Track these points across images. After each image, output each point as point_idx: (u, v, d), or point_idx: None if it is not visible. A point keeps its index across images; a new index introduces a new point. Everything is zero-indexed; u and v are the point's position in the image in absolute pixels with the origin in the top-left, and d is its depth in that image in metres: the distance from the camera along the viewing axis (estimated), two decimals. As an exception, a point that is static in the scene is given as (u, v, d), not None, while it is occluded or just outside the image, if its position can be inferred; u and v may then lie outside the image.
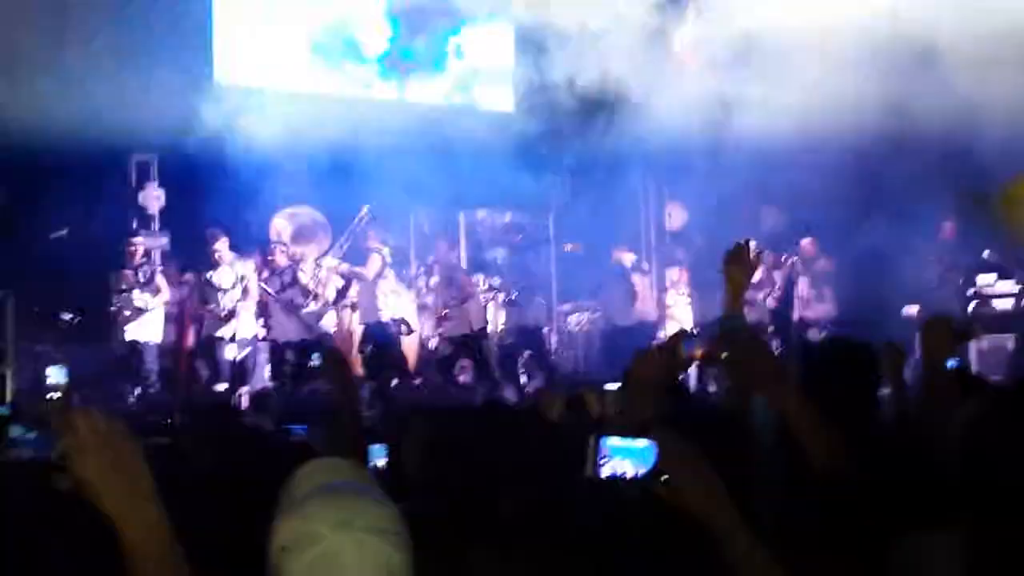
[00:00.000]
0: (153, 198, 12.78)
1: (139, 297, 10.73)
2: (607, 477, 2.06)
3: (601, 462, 2.05)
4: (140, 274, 10.84)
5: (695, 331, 2.83)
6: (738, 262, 3.29)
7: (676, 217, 14.50)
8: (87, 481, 1.62)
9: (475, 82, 14.80)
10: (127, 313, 10.69)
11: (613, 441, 2.06)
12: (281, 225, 11.95)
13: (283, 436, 5.15)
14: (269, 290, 11.09)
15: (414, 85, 14.06)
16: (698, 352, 2.76)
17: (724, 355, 2.68)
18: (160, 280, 10.97)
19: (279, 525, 1.78)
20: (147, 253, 11.87)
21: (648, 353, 2.87)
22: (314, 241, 11.92)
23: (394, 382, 11.14)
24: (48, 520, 2.60)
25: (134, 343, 10.74)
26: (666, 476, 1.93)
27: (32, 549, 2.71)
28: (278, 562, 1.74)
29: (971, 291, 11.76)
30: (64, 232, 10.78)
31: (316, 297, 11.53)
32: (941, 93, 10.25)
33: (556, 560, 2.22)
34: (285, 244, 11.70)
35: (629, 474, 2.04)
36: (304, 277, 11.48)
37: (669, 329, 11.32)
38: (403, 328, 11.28)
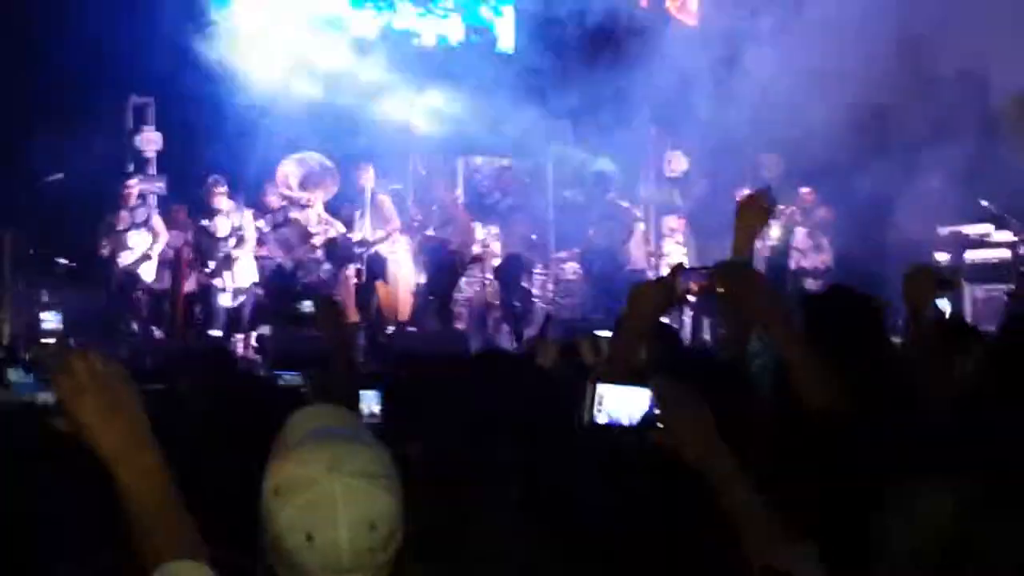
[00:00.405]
0: (150, 141, 12.73)
1: (134, 238, 10.69)
2: (603, 424, 2.05)
3: (598, 409, 2.05)
4: (135, 215, 10.78)
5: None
6: (753, 207, 3.23)
7: (676, 164, 14.42)
8: (84, 424, 1.62)
9: (476, 20, 14.70)
10: (122, 255, 10.65)
11: (609, 388, 2.05)
12: (289, 170, 11.87)
13: (277, 382, 5.16)
14: (265, 229, 11.08)
15: (408, 21, 13.95)
16: (695, 285, 2.72)
17: (720, 287, 2.65)
18: (157, 222, 10.93)
19: (271, 469, 1.78)
20: (142, 196, 11.84)
21: (646, 284, 2.85)
22: (321, 187, 11.86)
23: (390, 329, 11.16)
24: (46, 463, 2.61)
25: (129, 284, 10.73)
26: (661, 422, 1.94)
27: (30, 492, 2.73)
28: (269, 505, 1.74)
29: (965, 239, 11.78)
30: (60, 176, 10.71)
31: (315, 242, 11.53)
32: (954, 38, 10.17)
33: (551, 508, 2.23)
34: (291, 188, 11.66)
35: (625, 421, 2.04)
36: (310, 221, 11.46)
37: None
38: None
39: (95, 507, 2.32)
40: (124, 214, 10.81)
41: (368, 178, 11.57)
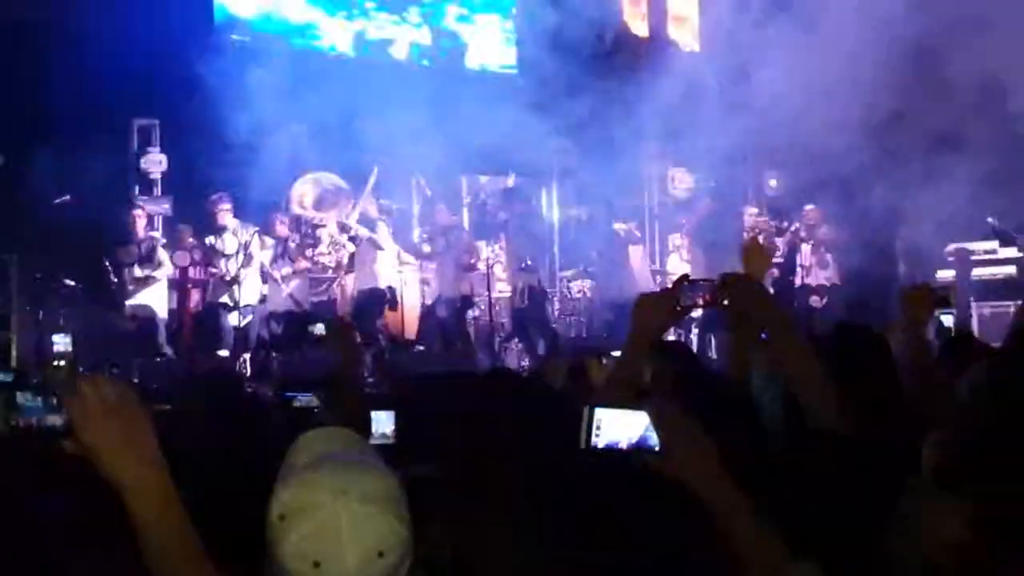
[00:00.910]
0: (155, 162, 12.77)
1: (140, 270, 10.72)
2: (601, 448, 2.02)
3: (596, 433, 2.02)
4: (142, 248, 10.79)
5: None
6: (757, 250, 3.24)
7: (679, 182, 14.45)
8: (93, 448, 1.62)
9: (477, 41, 14.77)
10: (130, 286, 10.69)
11: (607, 411, 2.01)
12: (304, 190, 11.91)
13: (285, 404, 5.16)
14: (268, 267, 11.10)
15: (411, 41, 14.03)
16: (700, 298, 2.69)
17: (725, 301, 2.63)
18: (161, 254, 10.93)
19: (277, 494, 1.76)
20: (150, 221, 11.89)
21: (650, 297, 2.82)
22: (336, 207, 11.89)
23: (398, 350, 11.17)
24: (55, 487, 2.61)
25: (137, 312, 10.75)
26: (657, 446, 1.92)
27: (38, 516, 2.72)
28: (275, 531, 1.72)
29: (972, 257, 11.77)
30: (67, 198, 10.75)
31: (326, 264, 11.56)
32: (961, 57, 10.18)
33: (552, 530, 2.22)
34: (305, 208, 11.70)
35: (624, 445, 2.01)
36: (322, 243, 11.50)
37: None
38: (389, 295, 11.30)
39: (105, 533, 2.33)
40: (132, 248, 10.79)
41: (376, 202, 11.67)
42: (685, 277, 2.76)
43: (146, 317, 10.92)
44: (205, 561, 1.67)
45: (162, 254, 10.97)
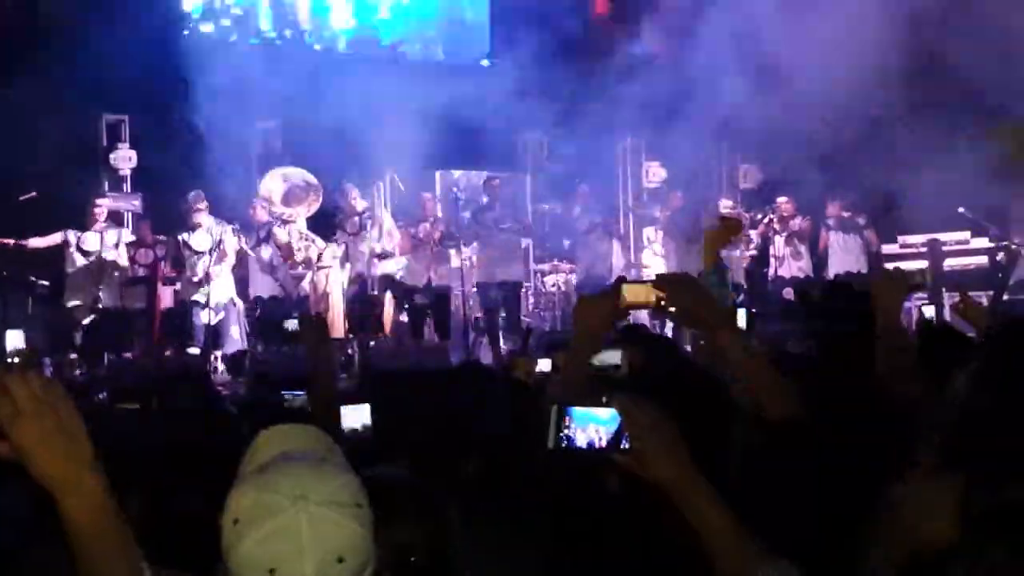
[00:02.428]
0: (124, 159, 12.65)
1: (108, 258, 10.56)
2: (570, 447, 1.96)
3: (564, 431, 1.96)
4: (105, 237, 10.65)
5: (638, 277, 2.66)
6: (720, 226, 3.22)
7: (654, 175, 14.45)
8: (23, 448, 1.56)
9: (450, 35, 14.74)
10: (90, 276, 10.53)
11: (574, 409, 1.95)
12: (273, 185, 11.77)
13: (258, 401, 5.10)
14: (248, 250, 10.98)
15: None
16: (635, 298, 2.65)
17: (658, 298, 2.59)
18: (121, 245, 10.79)
19: (232, 496, 1.69)
20: (116, 215, 11.78)
21: (590, 298, 2.79)
22: (305, 203, 11.76)
23: (371, 344, 11.10)
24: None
25: (102, 307, 10.64)
26: (625, 444, 1.87)
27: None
28: (229, 536, 1.65)
29: (944, 248, 11.82)
30: (34, 194, 10.62)
31: (296, 259, 11.48)
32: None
33: (518, 530, 2.18)
34: (273, 204, 11.56)
35: (589, 442, 1.94)
36: (291, 238, 11.41)
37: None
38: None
39: (37, 536, 2.27)
40: (91, 236, 10.63)
41: (355, 195, 11.50)
42: (623, 279, 2.74)
43: (115, 314, 10.82)
44: (143, 569, 1.59)
45: (121, 244, 10.81)
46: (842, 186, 12.03)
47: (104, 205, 10.77)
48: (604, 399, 1.93)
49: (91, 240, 10.50)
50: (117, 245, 10.68)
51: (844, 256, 12.02)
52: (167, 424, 3.53)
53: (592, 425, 1.94)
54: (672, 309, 2.59)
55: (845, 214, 12.11)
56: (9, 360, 8.39)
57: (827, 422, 2.60)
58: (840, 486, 2.31)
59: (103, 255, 10.46)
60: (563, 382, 2.68)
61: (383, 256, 11.53)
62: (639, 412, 1.89)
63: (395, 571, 1.94)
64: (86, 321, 10.27)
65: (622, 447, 1.88)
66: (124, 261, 10.77)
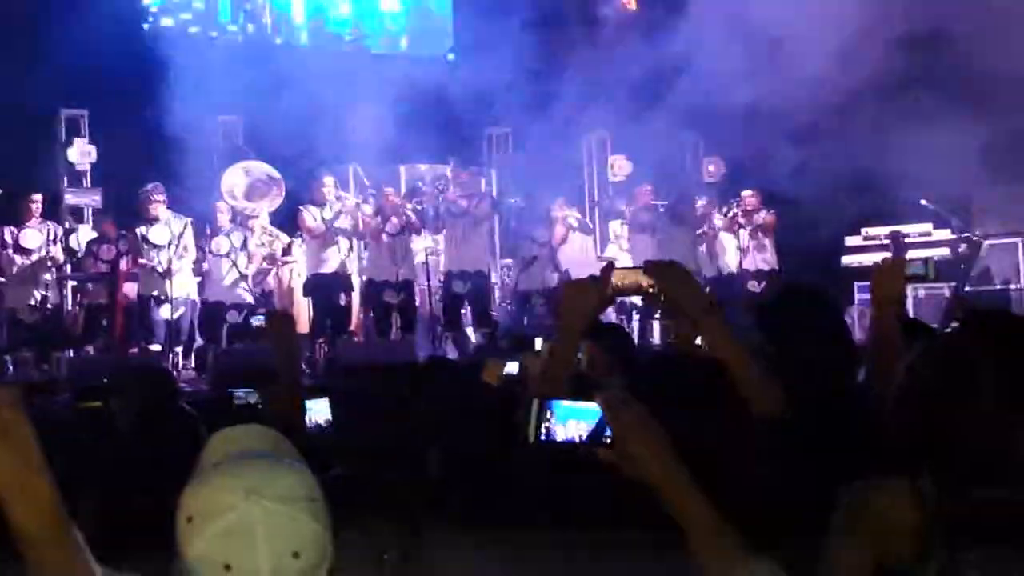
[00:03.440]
0: (84, 153, 12.51)
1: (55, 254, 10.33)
2: (551, 441, 1.93)
3: (543, 426, 1.94)
4: (50, 232, 10.41)
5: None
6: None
7: (619, 169, 14.45)
8: None
9: (414, 28, 14.67)
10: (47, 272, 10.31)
11: (554, 403, 1.93)
12: (235, 179, 11.62)
13: (219, 399, 5.04)
14: (211, 248, 10.83)
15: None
16: (626, 283, 2.61)
17: (648, 284, 2.56)
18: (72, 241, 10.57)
19: (185, 495, 1.67)
20: (76, 210, 11.63)
21: (578, 283, 2.73)
22: (267, 197, 11.63)
23: (337, 340, 11.02)
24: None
25: (59, 302, 10.47)
26: (608, 438, 1.83)
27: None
28: (183, 534, 1.64)
29: (906, 239, 11.91)
30: (-2, 189, 10.46)
31: (260, 255, 11.37)
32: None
33: (493, 526, 2.15)
34: (236, 198, 11.42)
35: (571, 437, 1.92)
36: (255, 234, 11.30)
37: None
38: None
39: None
40: (31, 233, 10.36)
41: (330, 188, 11.32)
42: (611, 265, 2.69)
43: (74, 311, 10.69)
44: (95, 572, 1.55)
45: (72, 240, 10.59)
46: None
47: (39, 200, 10.42)
48: (586, 394, 1.89)
49: (29, 237, 10.22)
50: (56, 240, 10.41)
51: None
52: (127, 423, 3.47)
53: (572, 420, 1.91)
54: (660, 296, 2.56)
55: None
56: None
57: (808, 420, 2.58)
58: (818, 484, 2.29)
59: (41, 251, 10.20)
60: (550, 376, 2.62)
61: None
62: (624, 409, 1.84)
63: (368, 569, 1.92)
64: (30, 320, 10.06)
65: (605, 442, 1.84)
66: (62, 256, 10.51)
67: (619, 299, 2.71)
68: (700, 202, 12.57)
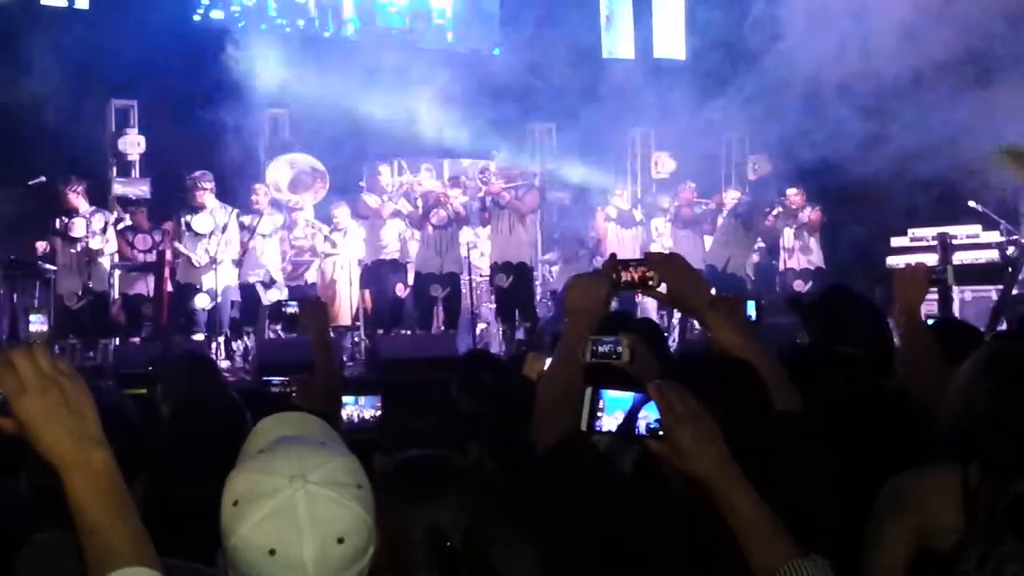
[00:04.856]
0: (133, 144, 12.64)
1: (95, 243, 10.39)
2: (603, 430, 1.92)
3: (598, 415, 1.92)
4: (92, 222, 10.46)
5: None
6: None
7: (663, 166, 14.38)
8: (28, 424, 1.52)
9: (462, 22, 14.69)
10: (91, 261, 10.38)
11: (609, 392, 1.91)
12: (279, 172, 11.71)
13: (260, 388, 5.09)
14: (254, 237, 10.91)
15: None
16: (630, 276, 2.59)
17: (650, 277, 2.53)
18: (111, 233, 10.60)
19: (231, 479, 1.68)
20: (124, 200, 11.75)
21: (583, 277, 2.71)
22: (311, 189, 11.71)
23: (379, 332, 11.08)
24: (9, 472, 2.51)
25: (107, 291, 10.59)
26: (660, 431, 1.81)
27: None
28: (228, 518, 1.64)
29: (954, 241, 11.75)
30: (43, 179, 10.58)
31: (302, 247, 11.46)
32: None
33: (536, 517, 2.15)
34: (280, 191, 11.51)
35: (626, 427, 1.90)
36: (298, 227, 11.39)
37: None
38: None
39: (43, 513, 2.25)
40: (80, 222, 10.38)
41: (387, 177, 11.47)
42: (614, 256, 2.68)
43: (120, 299, 10.81)
44: (150, 548, 1.54)
45: (111, 233, 10.65)
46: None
47: (80, 190, 10.47)
48: (639, 384, 1.88)
49: (78, 225, 10.29)
50: (104, 230, 10.46)
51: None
52: (171, 410, 3.52)
53: (619, 411, 1.90)
54: (663, 290, 2.55)
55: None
56: (31, 343, 8.34)
57: (829, 416, 2.57)
58: (834, 483, 2.27)
59: (89, 241, 10.28)
60: (556, 362, 2.61)
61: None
62: (678, 401, 1.82)
63: (430, 556, 1.92)
64: (76, 307, 10.18)
65: (657, 432, 1.83)
66: (112, 247, 10.58)
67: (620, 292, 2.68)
68: (775, 211, 12.31)
